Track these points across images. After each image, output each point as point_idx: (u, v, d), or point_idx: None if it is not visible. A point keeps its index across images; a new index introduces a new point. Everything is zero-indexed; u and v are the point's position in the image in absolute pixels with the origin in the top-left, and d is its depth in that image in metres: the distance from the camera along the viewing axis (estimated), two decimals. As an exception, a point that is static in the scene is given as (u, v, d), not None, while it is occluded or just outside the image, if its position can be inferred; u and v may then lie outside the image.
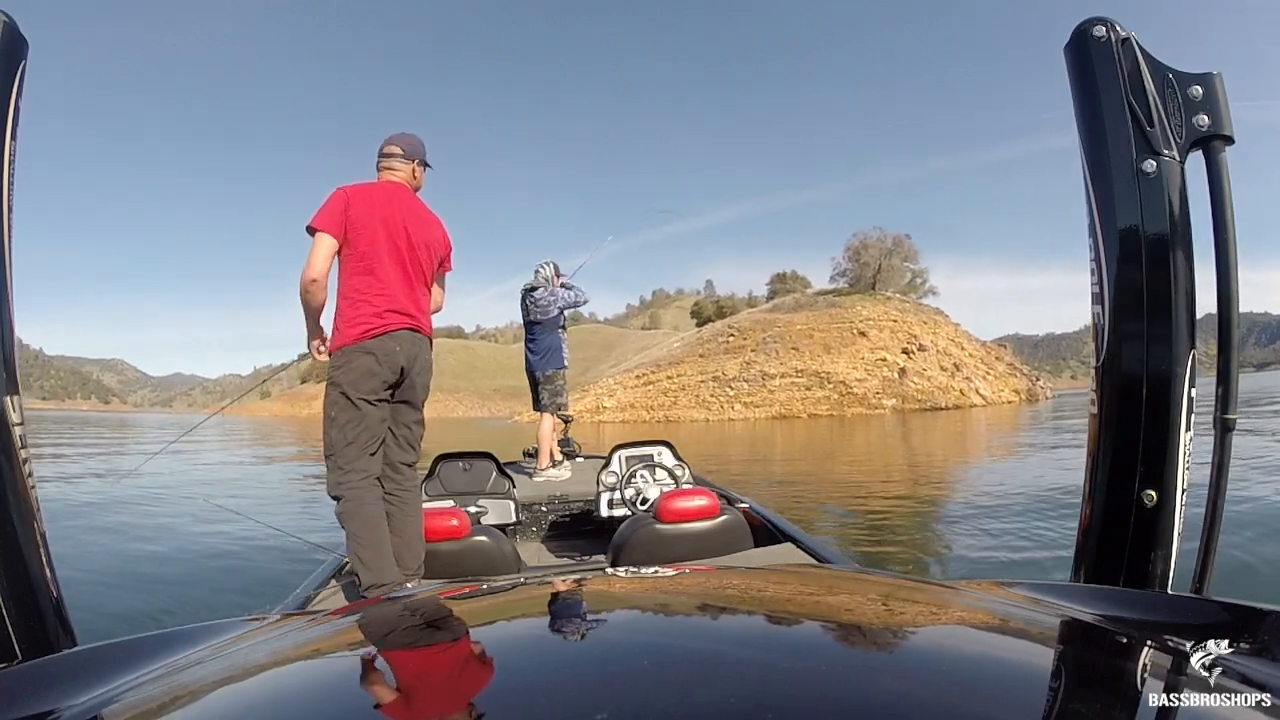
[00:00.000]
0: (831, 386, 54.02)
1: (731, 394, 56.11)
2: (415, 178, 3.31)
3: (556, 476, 5.96)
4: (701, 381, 58.66)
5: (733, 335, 64.42)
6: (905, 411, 48.67)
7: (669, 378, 61.20)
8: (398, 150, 3.27)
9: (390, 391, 3.05)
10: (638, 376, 64.93)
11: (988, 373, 58.89)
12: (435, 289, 3.32)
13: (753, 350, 60.00)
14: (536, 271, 6.45)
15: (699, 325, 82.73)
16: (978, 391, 54.22)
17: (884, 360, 55.79)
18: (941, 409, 49.12)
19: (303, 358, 3.97)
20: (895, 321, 60.10)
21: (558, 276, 6.47)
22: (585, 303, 6.48)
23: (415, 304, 3.11)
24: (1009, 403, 53.33)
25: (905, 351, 56.65)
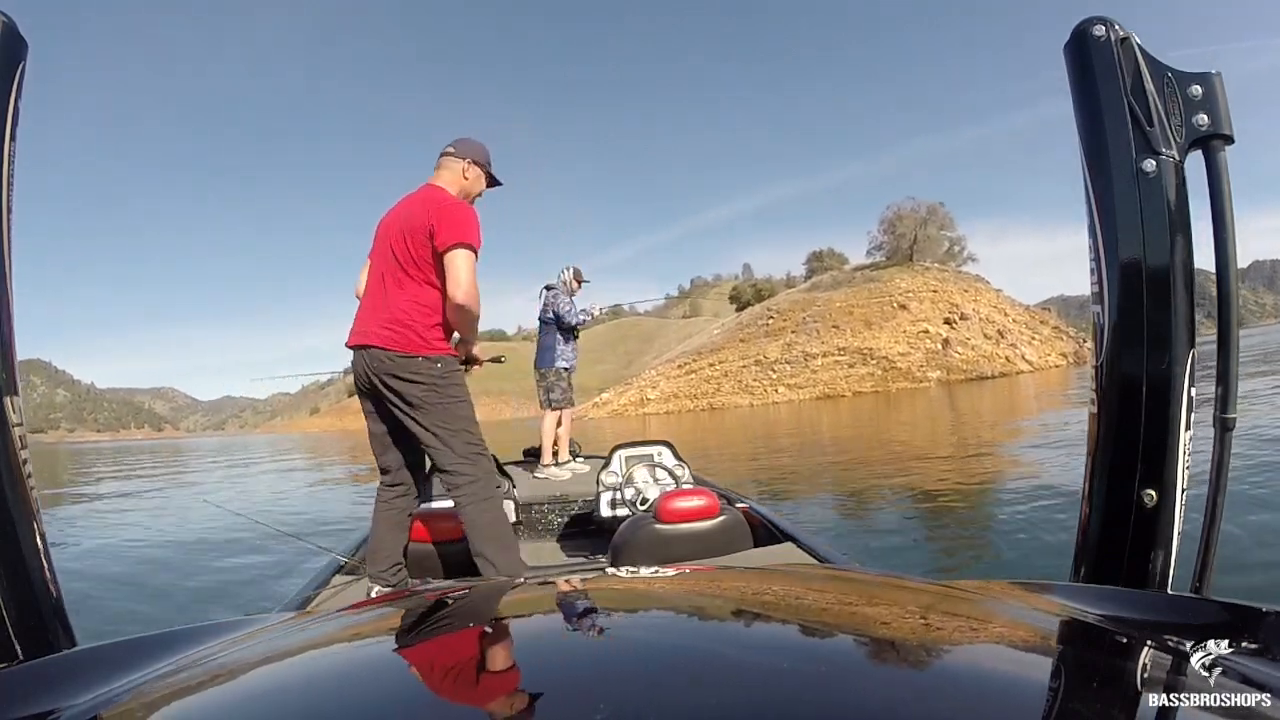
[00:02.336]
0: (875, 362, 53.65)
1: (774, 377, 55.96)
2: (465, 178, 3.17)
3: (557, 476, 6.01)
4: (743, 366, 58.58)
5: (772, 318, 64.22)
6: (951, 383, 48.13)
7: (711, 365, 61.19)
8: (450, 150, 3.19)
9: (377, 403, 3.05)
10: (680, 366, 65.02)
11: (1033, 337, 58.10)
12: (450, 280, 2.89)
13: (793, 331, 59.78)
14: (559, 274, 6.61)
15: (738, 310, 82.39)
16: (1024, 357, 53.52)
17: (926, 332, 55.25)
18: (987, 378, 48.52)
19: (347, 373, 3.98)
20: (935, 292, 59.48)
21: (576, 281, 6.63)
22: (574, 325, 6.53)
23: (377, 315, 2.99)
24: (1056, 367, 52.47)
25: (947, 321, 56.07)
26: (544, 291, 6.60)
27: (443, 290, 2.95)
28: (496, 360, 3.42)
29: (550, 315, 6.48)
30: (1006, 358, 53.12)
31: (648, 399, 60.52)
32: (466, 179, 3.17)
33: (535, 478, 6.00)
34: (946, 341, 54.32)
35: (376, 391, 2.99)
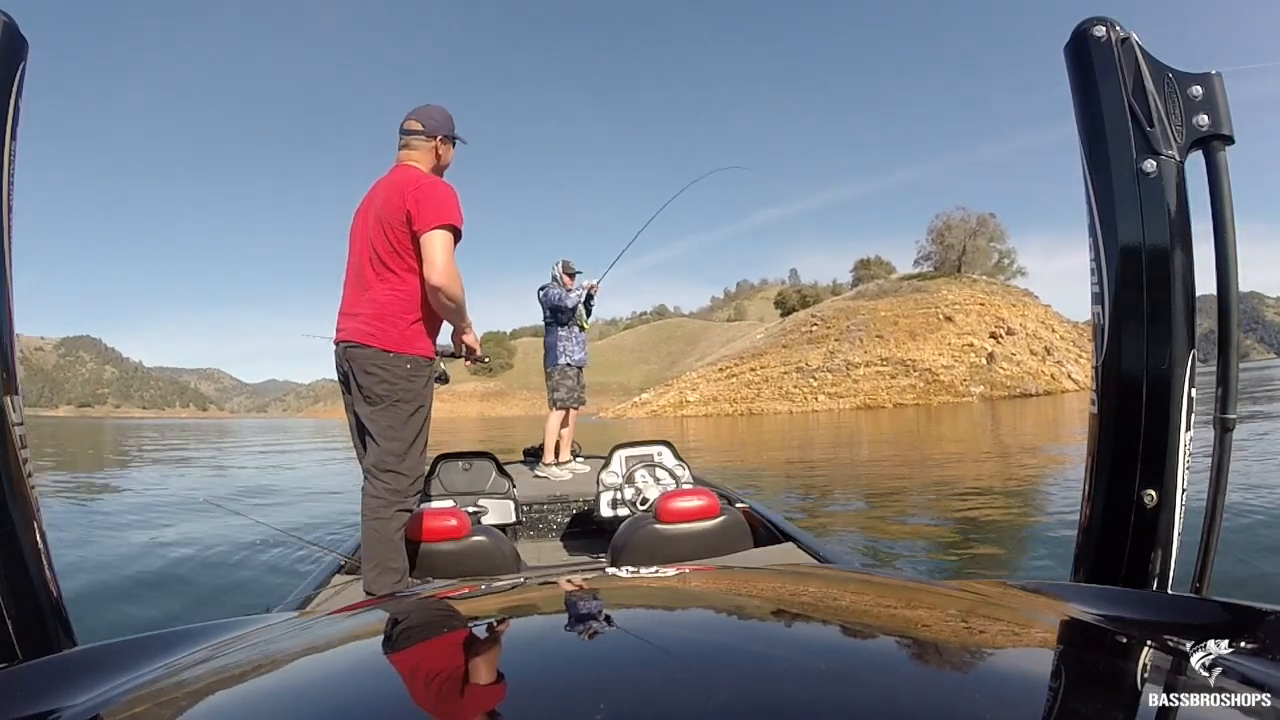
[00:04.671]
0: (917, 374, 52.99)
1: (815, 384, 55.54)
2: (438, 158, 3.05)
3: (557, 475, 6.00)
4: (784, 373, 58.24)
5: (816, 324, 63.75)
6: (994, 399, 47.37)
7: (752, 370, 60.92)
8: (417, 127, 3.03)
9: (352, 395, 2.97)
10: (720, 370, 64.87)
11: (1080, 355, 56.93)
12: (425, 262, 2.82)
13: (836, 339, 59.27)
14: (550, 270, 6.66)
15: (783, 315, 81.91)
16: (1070, 376, 52.51)
17: (971, 345, 54.46)
18: (1031, 395, 47.71)
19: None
20: (982, 305, 58.58)
21: (567, 275, 6.58)
22: (572, 309, 6.44)
23: (357, 310, 2.92)
24: (1103, 387, 51.37)
25: (993, 336, 55.20)
26: (539, 293, 6.60)
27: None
28: (479, 360, 3.38)
29: (548, 312, 6.49)
30: (1052, 375, 52.23)
31: (687, 401, 60.44)
32: (439, 157, 3.06)
33: (536, 477, 5.98)
34: (991, 356, 53.51)
35: (349, 386, 2.96)
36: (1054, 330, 59.36)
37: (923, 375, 52.98)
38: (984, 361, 53.30)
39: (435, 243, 2.80)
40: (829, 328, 61.68)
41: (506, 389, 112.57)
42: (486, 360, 3.51)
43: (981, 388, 50.64)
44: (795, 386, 56.36)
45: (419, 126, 3.03)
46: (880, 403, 50.65)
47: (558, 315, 6.46)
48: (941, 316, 57.52)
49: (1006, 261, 68.85)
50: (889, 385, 53.00)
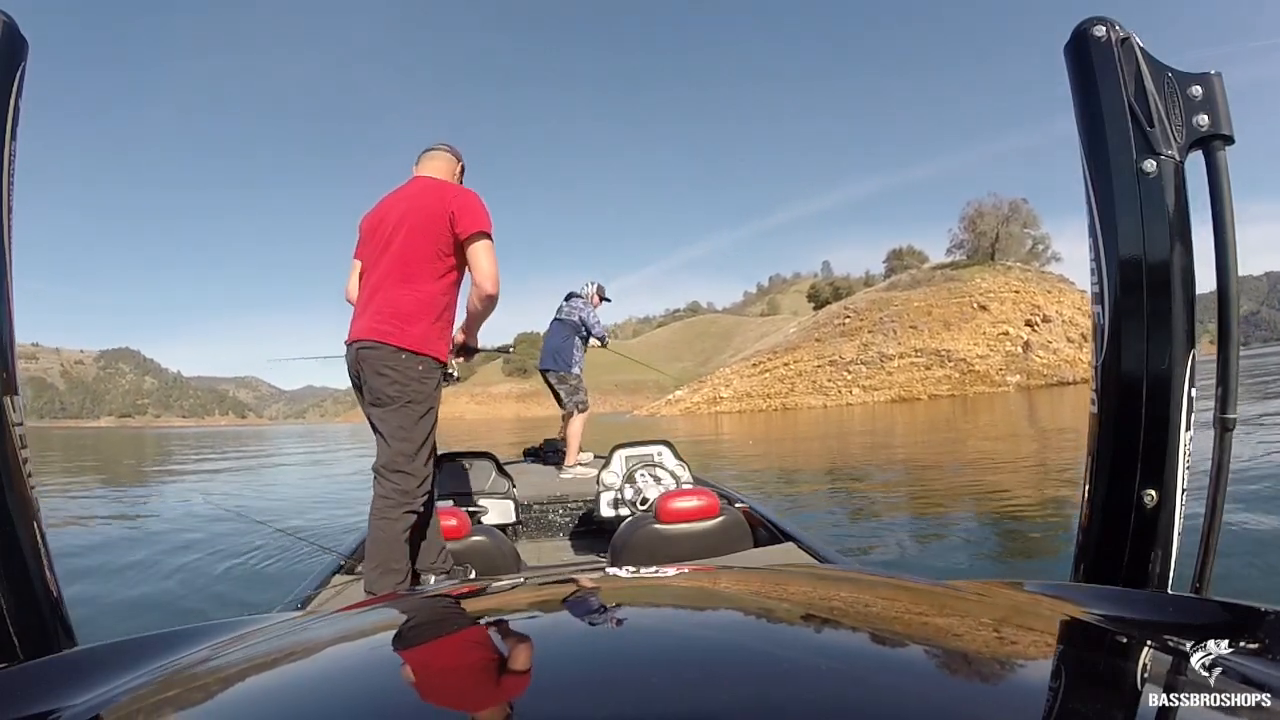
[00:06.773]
0: (952, 365, 52.43)
1: (849, 377, 55.15)
2: (455, 176, 3.21)
3: (584, 474, 5.97)
4: (818, 366, 57.87)
5: (849, 317, 63.19)
6: (1030, 388, 46.78)
7: (785, 364, 60.60)
8: (444, 146, 3.24)
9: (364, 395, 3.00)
10: (754, 365, 64.59)
11: (1118, 341, 56.18)
12: (477, 271, 2.92)
13: (870, 331, 58.78)
14: (583, 286, 6.95)
15: (816, 309, 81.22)
16: (1108, 362, 51.74)
17: (1006, 334, 53.71)
18: (1069, 383, 46.93)
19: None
20: (1017, 293, 57.67)
21: (598, 297, 6.91)
22: (600, 336, 6.77)
23: (378, 311, 2.93)
24: (1139, 373, 50.60)
25: (1028, 324, 54.39)
26: (571, 296, 6.81)
27: (452, 284, 2.97)
28: (504, 351, 3.43)
29: (576, 319, 6.62)
30: (1089, 363, 51.40)
31: (720, 397, 60.28)
32: (455, 177, 3.21)
33: (562, 475, 6.03)
34: (1027, 344, 52.82)
35: (361, 386, 2.97)
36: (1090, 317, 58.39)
37: (958, 365, 52.45)
38: (1020, 350, 52.61)
39: (483, 253, 2.90)
40: (862, 320, 61.16)
41: (541, 389, 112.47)
42: (510, 351, 3.54)
43: (1018, 377, 50.02)
44: (829, 380, 56.03)
45: (446, 147, 3.24)
46: (915, 394, 50.24)
47: (586, 330, 6.67)
48: (976, 305, 56.80)
49: (1041, 247, 67.47)
50: (924, 376, 52.53)
